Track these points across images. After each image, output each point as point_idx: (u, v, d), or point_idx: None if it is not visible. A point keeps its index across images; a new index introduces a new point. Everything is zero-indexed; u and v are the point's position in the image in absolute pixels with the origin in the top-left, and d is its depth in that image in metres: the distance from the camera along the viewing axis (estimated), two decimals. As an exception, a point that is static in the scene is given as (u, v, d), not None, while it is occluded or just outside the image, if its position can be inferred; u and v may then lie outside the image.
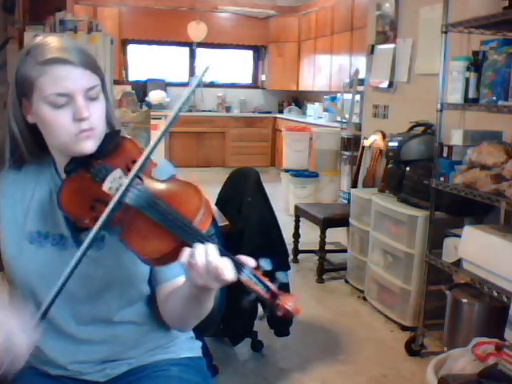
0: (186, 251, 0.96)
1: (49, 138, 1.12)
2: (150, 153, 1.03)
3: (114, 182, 1.06)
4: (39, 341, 1.11)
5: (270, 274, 0.95)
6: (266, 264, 0.95)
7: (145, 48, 8.30)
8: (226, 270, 0.94)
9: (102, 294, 1.18)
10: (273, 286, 0.94)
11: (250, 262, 0.96)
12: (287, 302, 0.93)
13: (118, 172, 1.07)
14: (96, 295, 1.18)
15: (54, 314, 1.13)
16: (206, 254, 0.95)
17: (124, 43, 8.00)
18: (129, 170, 1.06)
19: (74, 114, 1.07)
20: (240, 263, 0.95)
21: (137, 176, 1.03)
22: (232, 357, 2.71)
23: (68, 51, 1.08)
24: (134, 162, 1.06)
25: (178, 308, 1.14)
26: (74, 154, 1.11)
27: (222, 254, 0.96)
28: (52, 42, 1.09)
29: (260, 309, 1.10)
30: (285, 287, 0.95)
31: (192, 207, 1.00)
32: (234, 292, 1.59)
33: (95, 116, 1.10)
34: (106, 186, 1.06)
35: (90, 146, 1.10)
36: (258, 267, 0.95)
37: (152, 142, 1.03)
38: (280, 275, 0.95)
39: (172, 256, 0.99)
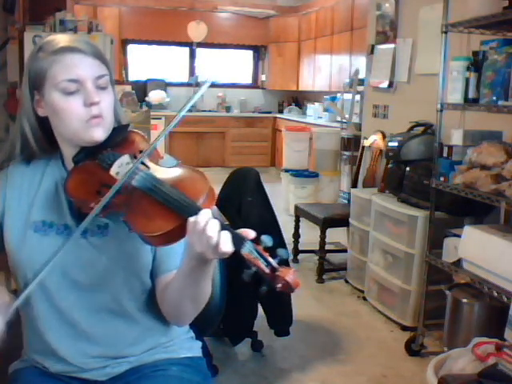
0: (191, 219, 0.98)
1: (60, 126, 1.16)
2: (160, 137, 1.07)
3: (122, 167, 1.09)
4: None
5: (270, 251, 0.97)
6: (267, 240, 0.97)
7: (145, 48, 8.29)
8: (224, 240, 0.96)
9: (105, 281, 1.19)
10: (273, 261, 0.95)
11: (250, 233, 0.98)
12: (287, 275, 0.94)
13: (126, 158, 1.10)
14: (99, 283, 1.19)
15: (58, 300, 1.16)
16: (208, 219, 0.98)
17: (124, 43, 8.00)
18: (136, 158, 1.10)
19: (84, 99, 1.12)
20: (241, 237, 0.97)
21: (143, 163, 1.07)
22: (232, 357, 2.71)
23: (78, 42, 1.15)
24: (142, 151, 1.11)
25: (176, 291, 1.15)
26: (83, 143, 1.15)
27: (223, 228, 0.98)
28: (62, 36, 1.17)
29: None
30: (285, 263, 0.97)
31: (197, 190, 1.04)
32: (234, 292, 1.59)
33: (104, 104, 1.14)
34: (113, 171, 1.09)
35: (99, 133, 1.14)
36: (259, 242, 0.97)
37: (161, 131, 1.09)
38: (280, 251, 0.97)
39: (175, 234, 1.01)
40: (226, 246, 0.97)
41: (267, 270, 0.94)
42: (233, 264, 1.08)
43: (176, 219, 1.00)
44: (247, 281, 0.94)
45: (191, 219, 0.99)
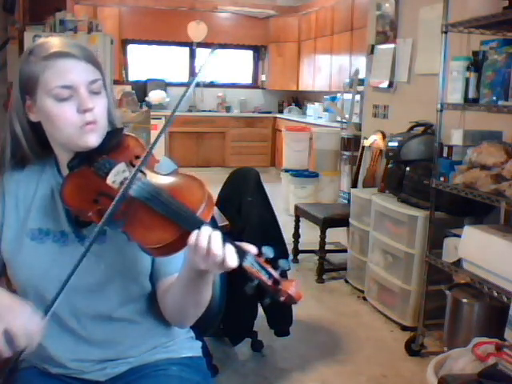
0: (192, 235, 0.97)
1: (53, 133, 1.14)
2: (155, 143, 1.05)
3: (118, 176, 1.07)
4: (42, 337, 1.12)
5: (271, 262, 0.96)
6: (269, 251, 0.96)
7: (145, 48, 8.29)
8: (230, 256, 0.95)
9: (104, 287, 1.18)
10: (275, 273, 0.95)
11: (252, 248, 0.97)
12: (289, 288, 0.94)
13: (122, 166, 1.09)
14: (97, 289, 1.18)
15: (57, 307, 1.14)
16: (210, 238, 0.96)
17: (124, 43, 8.00)
18: (132, 165, 1.08)
19: (78, 106, 1.10)
20: (243, 250, 0.96)
21: (140, 170, 1.05)
22: (232, 357, 2.71)
23: (70, 46, 1.12)
24: (138, 157, 1.09)
25: (177, 297, 1.15)
26: (77, 149, 1.13)
27: (225, 241, 0.97)
28: (54, 40, 1.14)
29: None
30: (286, 274, 0.96)
31: (195, 199, 1.02)
32: (234, 292, 1.59)
33: (98, 109, 1.13)
34: (109, 180, 1.07)
35: (93, 139, 1.12)
36: (260, 254, 0.96)
37: (155, 137, 1.06)
38: (282, 262, 0.96)
39: (175, 245, 1.00)
40: (232, 261, 0.95)
41: (269, 283, 0.94)
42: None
43: (176, 231, 0.98)
44: (250, 293, 0.93)
45: (192, 239, 0.96)
